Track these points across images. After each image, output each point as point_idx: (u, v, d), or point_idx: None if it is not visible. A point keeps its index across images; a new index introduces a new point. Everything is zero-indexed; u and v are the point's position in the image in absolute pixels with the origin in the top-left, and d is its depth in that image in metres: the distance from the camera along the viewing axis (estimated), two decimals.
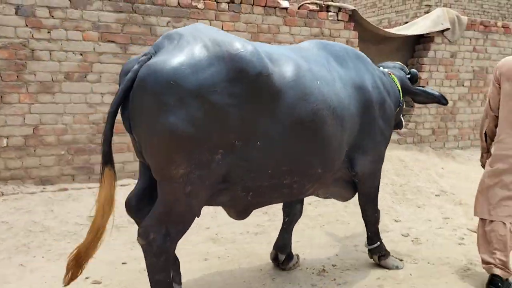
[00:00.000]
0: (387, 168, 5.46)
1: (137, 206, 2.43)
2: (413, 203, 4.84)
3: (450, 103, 3.64)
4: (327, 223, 4.31)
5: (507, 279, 2.98)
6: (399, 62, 3.77)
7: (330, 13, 5.67)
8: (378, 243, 3.30)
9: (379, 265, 3.32)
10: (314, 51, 2.76)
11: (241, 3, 5.15)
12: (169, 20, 4.81)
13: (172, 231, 2.17)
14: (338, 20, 5.72)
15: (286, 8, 5.40)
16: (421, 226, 4.27)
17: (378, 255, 3.31)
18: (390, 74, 3.38)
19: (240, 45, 2.10)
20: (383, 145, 3.12)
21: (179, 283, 2.71)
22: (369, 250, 3.35)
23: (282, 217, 4.36)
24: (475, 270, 3.33)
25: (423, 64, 6.46)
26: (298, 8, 5.60)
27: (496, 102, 3.09)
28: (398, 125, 3.62)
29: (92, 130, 4.62)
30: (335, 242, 3.85)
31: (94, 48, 4.56)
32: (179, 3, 4.85)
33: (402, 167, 5.69)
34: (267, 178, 2.35)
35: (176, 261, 2.70)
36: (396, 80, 3.37)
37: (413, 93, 3.54)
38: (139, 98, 2.00)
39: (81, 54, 4.53)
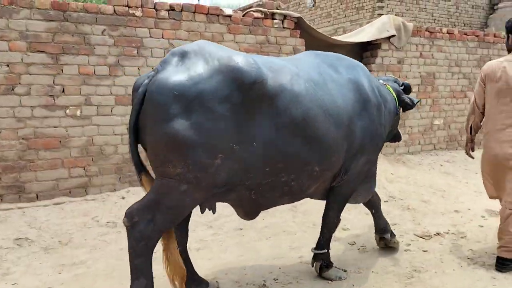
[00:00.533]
0: None
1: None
2: (361, 210, 4.76)
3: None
4: (274, 235, 4.17)
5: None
6: (392, 75, 3.91)
7: (275, 21, 5.60)
8: (325, 250, 3.22)
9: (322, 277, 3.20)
10: (305, 59, 2.95)
11: (182, 10, 5.00)
12: (104, 28, 4.59)
13: (158, 218, 2.29)
14: (284, 27, 5.65)
15: (229, 16, 5.28)
16: (368, 233, 4.19)
17: (321, 263, 3.21)
18: (385, 85, 3.53)
19: (237, 58, 2.34)
20: (377, 148, 3.22)
21: None
22: (314, 255, 3.25)
23: (227, 231, 4.22)
24: (419, 277, 3.26)
25: (371, 71, 6.48)
26: (243, 16, 5.50)
27: (482, 100, 3.59)
28: (396, 137, 3.78)
29: (22, 146, 4.31)
30: (279, 255, 3.71)
31: (22, 59, 4.28)
32: (115, 11, 4.64)
33: None
34: (265, 176, 2.51)
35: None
36: (391, 90, 3.54)
37: (405, 103, 3.66)
38: (147, 109, 2.24)
39: (8, 66, 4.23)
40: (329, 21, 14.43)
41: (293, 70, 2.63)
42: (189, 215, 2.79)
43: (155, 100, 2.20)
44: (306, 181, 2.71)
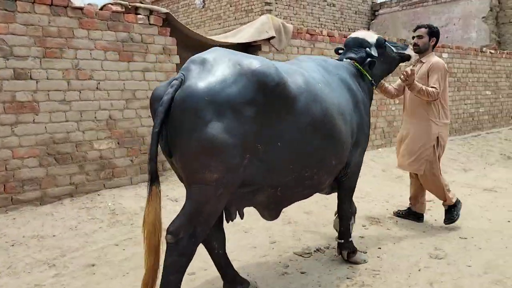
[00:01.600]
0: None
1: None
2: (240, 228, 4.28)
3: None
4: (133, 269, 3.48)
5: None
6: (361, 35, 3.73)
7: (139, 16, 4.91)
8: (350, 239, 3.55)
9: None
10: (305, 62, 3.13)
11: (16, 0, 4.09)
12: None
13: (198, 231, 2.37)
14: (150, 24, 4.99)
15: (81, 8, 4.48)
16: (244, 255, 3.71)
17: (348, 251, 3.52)
18: (354, 63, 3.56)
19: (257, 62, 2.43)
20: (367, 138, 3.50)
21: None
22: (339, 244, 3.56)
23: (74, 269, 3.44)
24: None
25: None
26: (100, 9, 4.72)
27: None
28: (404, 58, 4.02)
29: None
30: None
31: None
32: None
33: None
34: (289, 173, 2.67)
35: None
36: (362, 68, 3.55)
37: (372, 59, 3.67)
38: (179, 116, 2.25)
39: None
40: (219, 23, 14.05)
41: (305, 73, 2.82)
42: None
43: (188, 107, 2.24)
44: (324, 174, 2.94)
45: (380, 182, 4.22)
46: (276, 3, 12.97)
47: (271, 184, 2.63)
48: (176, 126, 2.27)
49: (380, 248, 3.88)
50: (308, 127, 2.64)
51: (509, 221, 4.59)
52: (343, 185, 3.40)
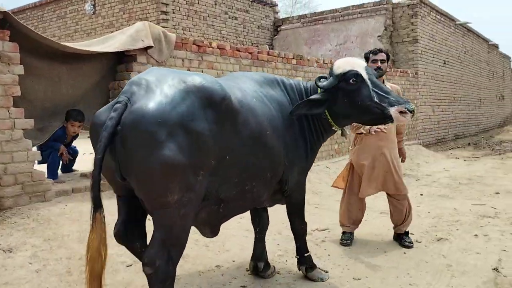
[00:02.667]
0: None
1: (125, 235, 2.63)
2: None
3: None
4: None
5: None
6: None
7: None
8: (306, 254, 3.56)
9: None
10: (240, 78, 3.12)
11: None
12: None
13: (173, 254, 2.38)
14: None
15: None
16: None
17: (305, 266, 3.56)
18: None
19: (201, 78, 2.52)
20: (305, 158, 3.30)
21: None
22: (298, 260, 3.59)
23: None
24: None
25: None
26: None
27: None
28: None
29: None
30: None
31: None
32: None
33: None
34: (234, 187, 2.71)
35: None
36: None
37: None
38: (132, 139, 2.23)
39: None
40: (111, 31, 12.81)
41: (241, 88, 2.88)
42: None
43: (142, 130, 2.21)
44: (262, 188, 2.93)
45: (275, 208, 3.56)
46: (174, 13, 12.18)
47: (217, 199, 2.64)
48: (129, 150, 2.25)
49: None
50: (248, 141, 2.69)
51: (404, 253, 4.24)
52: (288, 201, 3.37)
